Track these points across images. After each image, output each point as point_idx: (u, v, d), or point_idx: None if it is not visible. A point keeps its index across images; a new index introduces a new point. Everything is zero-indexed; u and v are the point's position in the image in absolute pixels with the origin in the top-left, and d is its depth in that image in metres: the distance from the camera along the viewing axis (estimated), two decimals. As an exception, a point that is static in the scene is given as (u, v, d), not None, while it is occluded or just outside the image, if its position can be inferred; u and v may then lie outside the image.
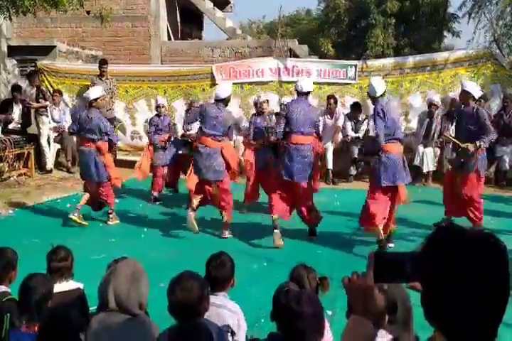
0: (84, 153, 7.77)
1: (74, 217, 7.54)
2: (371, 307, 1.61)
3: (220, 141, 7.15)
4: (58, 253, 3.86)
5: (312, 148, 6.96)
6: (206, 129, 7.10)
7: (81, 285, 3.93)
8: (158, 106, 9.48)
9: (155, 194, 9.17)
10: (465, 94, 7.06)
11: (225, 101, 7.25)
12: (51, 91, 11.67)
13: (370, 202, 6.46)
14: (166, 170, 9.29)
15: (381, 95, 6.59)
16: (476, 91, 7.05)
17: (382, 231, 6.38)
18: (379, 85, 6.68)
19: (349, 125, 10.70)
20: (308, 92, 7.17)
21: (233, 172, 7.42)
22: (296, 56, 13.16)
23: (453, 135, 7.65)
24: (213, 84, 11.73)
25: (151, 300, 3.34)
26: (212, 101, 7.60)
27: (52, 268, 3.83)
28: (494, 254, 1.31)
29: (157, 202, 9.10)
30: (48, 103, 11.14)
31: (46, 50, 12.73)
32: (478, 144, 6.81)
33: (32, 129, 11.32)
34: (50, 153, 11.26)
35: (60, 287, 3.79)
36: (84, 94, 8.04)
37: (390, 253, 1.66)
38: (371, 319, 1.61)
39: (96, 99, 7.65)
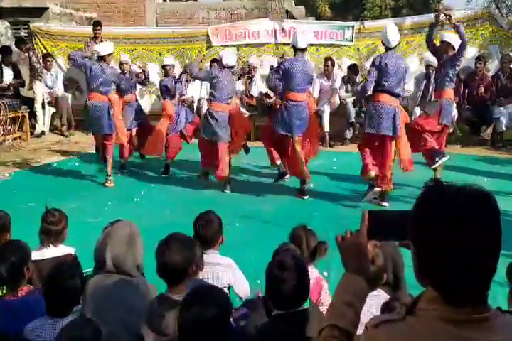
0: (96, 106, 7.85)
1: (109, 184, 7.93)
2: (364, 265, 1.63)
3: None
4: (51, 216, 3.84)
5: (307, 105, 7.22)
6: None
7: (72, 250, 3.90)
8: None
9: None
10: (445, 45, 7.11)
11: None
12: (43, 56, 11.52)
13: (362, 152, 6.85)
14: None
15: (394, 47, 6.64)
16: (456, 41, 7.07)
17: (372, 174, 6.72)
18: (394, 35, 6.62)
19: (344, 88, 10.67)
20: (305, 49, 7.22)
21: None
22: (292, 17, 12.97)
23: None
24: (209, 46, 11.62)
25: (147, 263, 3.38)
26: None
27: (42, 230, 3.83)
28: (485, 209, 1.33)
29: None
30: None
31: (39, 12, 12.50)
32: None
33: (27, 92, 11.25)
34: (45, 116, 11.24)
35: (48, 252, 3.79)
36: (95, 48, 8.21)
37: (384, 211, 1.68)
38: (364, 277, 1.63)
39: (108, 55, 7.87)
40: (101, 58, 7.78)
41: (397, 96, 6.65)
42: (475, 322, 1.32)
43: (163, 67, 8.97)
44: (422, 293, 1.45)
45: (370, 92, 6.71)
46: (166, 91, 8.58)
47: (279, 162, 7.48)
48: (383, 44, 6.73)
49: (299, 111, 7.05)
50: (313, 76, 7.32)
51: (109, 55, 7.90)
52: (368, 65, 10.75)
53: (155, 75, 11.66)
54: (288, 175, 7.65)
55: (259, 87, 10.68)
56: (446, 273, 1.33)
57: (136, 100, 9.22)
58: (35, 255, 3.73)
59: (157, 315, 2.61)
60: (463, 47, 7.00)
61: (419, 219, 1.39)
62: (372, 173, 6.71)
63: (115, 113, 7.91)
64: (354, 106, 10.34)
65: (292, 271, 2.49)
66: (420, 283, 1.42)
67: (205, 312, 2.14)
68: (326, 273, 4.56)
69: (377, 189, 6.74)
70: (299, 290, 2.50)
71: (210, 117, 7.46)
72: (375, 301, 2.68)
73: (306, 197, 7.27)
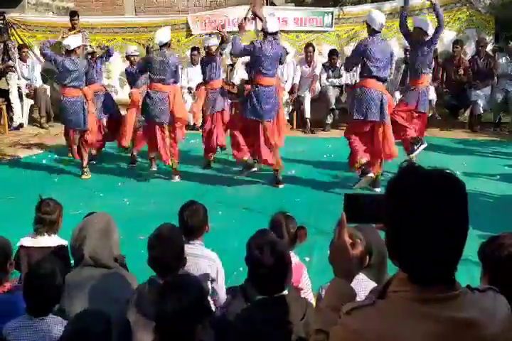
0: (71, 102, 7.65)
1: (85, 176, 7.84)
2: (349, 269, 1.67)
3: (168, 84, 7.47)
4: (45, 206, 3.83)
5: (277, 90, 7.12)
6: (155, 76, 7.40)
7: (65, 243, 3.86)
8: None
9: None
10: (418, 32, 7.07)
11: (168, 45, 7.53)
12: (18, 47, 11.38)
13: (351, 139, 6.75)
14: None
15: (378, 31, 6.54)
16: (428, 27, 7.07)
17: (363, 161, 6.68)
18: (379, 18, 6.59)
19: (325, 75, 10.70)
20: (276, 32, 7.10)
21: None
22: (272, 4, 12.91)
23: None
24: (189, 34, 11.56)
25: (130, 252, 3.40)
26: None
27: (37, 219, 3.82)
28: (454, 192, 1.37)
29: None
30: (10, 63, 10.93)
31: (14, 2, 12.32)
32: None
33: (3, 85, 11.15)
34: (23, 109, 11.15)
35: (41, 241, 3.79)
36: (63, 42, 7.83)
37: (361, 194, 1.71)
38: (350, 281, 1.67)
39: (78, 47, 7.65)
40: (70, 52, 7.57)
41: (383, 81, 6.65)
42: (443, 301, 1.36)
43: (127, 57, 8.95)
44: (393, 276, 1.48)
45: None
46: (132, 79, 8.57)
47: (246, 157, 7.37)
48: (370, 27, 6.61)
49: (267, 95, 6.94)
50: (283, 59, 7.20)
51: (79, 47, 7.70)
52: (348, 50, 10.79)
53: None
54: (255, 168, 7.73)
55: (240, 74, 10.66)
56: (413, 253, 1.37)
57: (106, 91, 9.06)
58: (28, 241, 3.75)
59: (146, 298, 2.64)
60: (441, 26, 6.91)
61: (389, 200, 1.43)
62: (363, 160, 6.67)
63: (89, 107, 7.79)
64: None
65: (274, 255, 2.51)
66: (393, 263, 1.46)
67: (180, 299, 2.17)
68: (307, 259, 4.63)
69: (370, 175, 6.71)
70: (280, 274, 2.52)
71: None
72: (358, 286, 2.72)
73: (282, 186, 7.22)
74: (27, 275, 2.80)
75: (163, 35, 7.45)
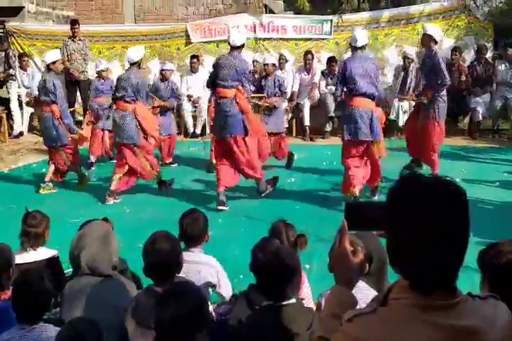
0: (43, 117, 7.57)
1: (44, 191, 7.54)
2: (350, 277, 1.67)
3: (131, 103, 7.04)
4: (31, 219, 3.80)
5: (236, 102, 6.62)
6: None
7: (54, 253, 3.87)
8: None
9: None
10: (427, 38, 7.05)
11: (137, 65, 7.17)
12: (18, 56, 11.41)
13: (348, 165, 6.47)
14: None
15: (361, 47, 6.40)
16: (438, 34, 7.09)
17: (357, 192, 6.35)
18: (361, 36, 6.48)
19: (324, 83, 10.73)
20: (242, 46, 6.80)
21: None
22: (271, 12, 12.97)
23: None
24: (188, 42, 11.60)
25: (129, 260, 3.39)
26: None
27: (22, 232, 3.79)
28: (454, 200, 1.37)
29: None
30: (11, 71, 10.98)
31: (14, 11, 12.36)
32: (430, 96, 6.97)
33: (4, 93, 11.18)
34: (23, 117, 11.19)
35: (27, 256, 3.74)
36: (44, 59, 7.80)
37: (362, 202, 1.72)
38: (351, 289, 1.67)
39: (54, 63, 7.42)
40: (48, 67, 7.45)
41: (372, 98, 6.37)
42: (443, 308, 1.36)
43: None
44: (395, 283, 1.48)
45: (341, 98, 6.52)
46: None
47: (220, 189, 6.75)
48: (351, 45, 6.57)
49: (223, 107, 6.63)
50: (246, 74, 6.64)
51: (54, 62, 7.39)
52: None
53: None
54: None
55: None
56: (413, 260, 1.38)
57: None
58: (16, 258, 3.72)
59: (143, 307, 2.64)
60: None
61: (390, 207, 1.44)
62: (356, 190, 6.35)
63: (59, 123, 7.41)
64: (335, 100, 10.41)
65: (280, 260, 2.53)
66: (394, 270, 1.46)
67: (179, 307, 2.18)
68: (307, 266, 4.61)
69: (374, 198, 6.58)
70: (286, 279, 2.53)
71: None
72: (358, 294, 2.72)
73: (263, 195, 6.94)
74: (15, 282, 2.79)
75: (134, 53, 7.12)
